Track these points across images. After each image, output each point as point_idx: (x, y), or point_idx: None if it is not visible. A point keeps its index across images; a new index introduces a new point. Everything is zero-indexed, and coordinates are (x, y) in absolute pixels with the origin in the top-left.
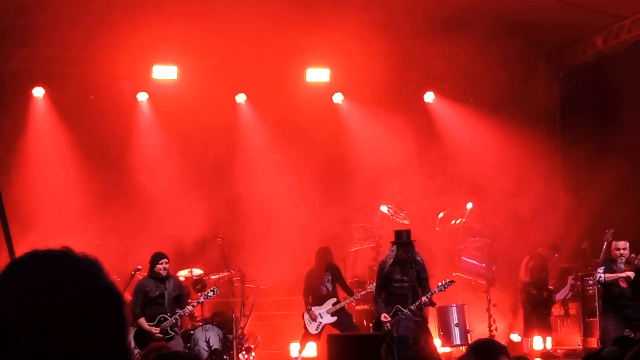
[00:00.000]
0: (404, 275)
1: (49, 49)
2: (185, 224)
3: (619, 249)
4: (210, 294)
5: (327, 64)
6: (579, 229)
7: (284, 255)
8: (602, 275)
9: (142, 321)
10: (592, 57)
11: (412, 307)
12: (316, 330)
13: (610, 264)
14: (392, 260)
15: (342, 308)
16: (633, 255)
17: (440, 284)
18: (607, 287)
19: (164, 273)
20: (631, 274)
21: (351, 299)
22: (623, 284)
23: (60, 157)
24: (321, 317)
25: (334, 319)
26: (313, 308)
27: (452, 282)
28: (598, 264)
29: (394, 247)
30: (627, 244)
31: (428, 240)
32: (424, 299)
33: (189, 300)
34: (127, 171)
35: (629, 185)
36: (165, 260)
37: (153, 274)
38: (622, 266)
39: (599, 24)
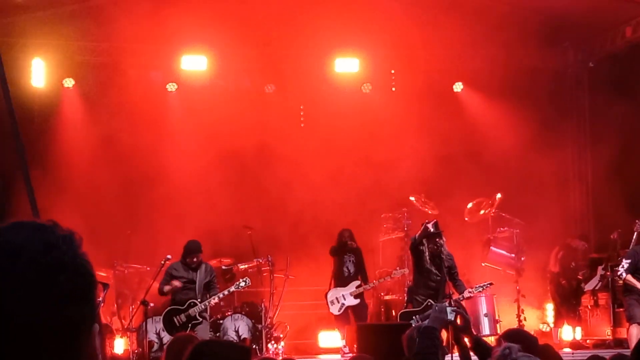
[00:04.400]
0: (437, 269)
1: (79, 40)
2: (215, 214)
3: None
4: (242, 284)
5: (356, 54)
6: (609, 219)
7: (313, 245)
8: (625, 272)
9: (167, 287)
10: (622, 47)
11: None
12: (338, 311)
13: (638, 255)
14: (427, 253)
15: (362, 294)
16: None
17: (478, 285)
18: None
19: (194, 265)
20: None
21: (365, 286)
22: None
23: (90, 148)
24: (344, 299)
25: (357, 301)
26: (335, 289)
27: (490, 284)
28: (627, 254)
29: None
30: None
31: (457, 231)
32: (463, 295)
33: (218, 289)
34: (157, 161)
35: None
36: (198, 255)
37: (185, 262)
38: None
39: (629, 13)
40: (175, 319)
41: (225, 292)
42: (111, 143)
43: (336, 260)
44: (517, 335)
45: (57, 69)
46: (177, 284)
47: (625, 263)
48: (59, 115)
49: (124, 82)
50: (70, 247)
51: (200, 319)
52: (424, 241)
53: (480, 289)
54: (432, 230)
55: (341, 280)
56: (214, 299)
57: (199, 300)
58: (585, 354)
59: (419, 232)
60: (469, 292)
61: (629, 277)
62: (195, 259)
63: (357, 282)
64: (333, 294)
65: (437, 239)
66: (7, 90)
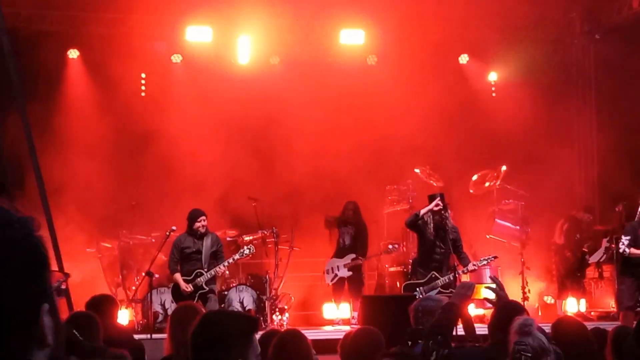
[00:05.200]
0: (441, 242)
1: (83, 10)
2: (220, 185)
3: None
4: (247, 252)
5: (361, 25)
6: (614, 191)
7: (319, 217)
8: (627, 249)
9: (177, 276)
10: (628, 18)
11: (450, 277)
12: (331, 281)
13: (637, 230)
14: (432, 225)
15: (359, 268)
16: None
17: (483, 258)
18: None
19: (202, 230)
20: None
21: (359, 260)
22: None
23: (94, 119)
24: (337, 270)
25: (349, 274)
26: (333, 259)
27: (495, 257)
28: (625, 229)
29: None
30: None
31: (462, 203)
32: (467, 268)
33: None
34: (161, 133)
35: None
36: (204, 217)
37: (191, 231)
38: None
39: None
40: (183, 291)
41: (230, 261)
42: (116, 114)
43: (337, 232)
44: (512, 308)
45: (62, 39)
46: (186, 287)
47: (625, 240)
48: (63, 86)
49: (129, 53)
50: (24, 227)
51: (207, 288)
52: (430, 213)
53: (485, 262)
54: (436, 208)
55: (338, 251)
56: (220, 267)
57: (205, 269)
58: (590, 326)
59: (425, 209)
60: (474, 265)
61: (633, 250)
62: (200, 223)
63: (353, 255)
64: (329, 264)
65: (443, 212)
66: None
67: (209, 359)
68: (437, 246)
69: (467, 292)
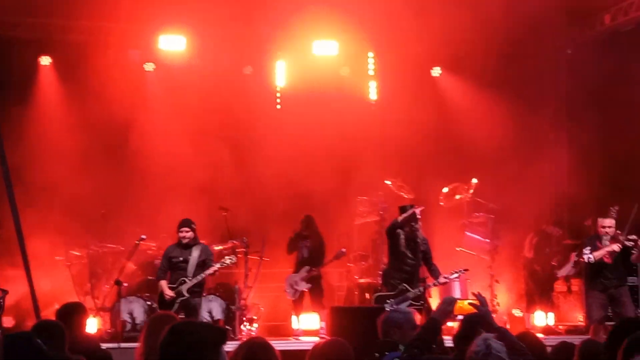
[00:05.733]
0: (412, 253)
1: (57, 17)
2: (190, 194)
3: (604, 227)
4: (228, 261)
5: (335, 36)
6: (583, 206)
7: (289, 227)
8: (591, 255)
9: (162, 283)
10: (600, 34)
11: (420, 290)
12: (294, 296)
13: (595, 241)
14: (403, 237)
15: (317, 279)
16: (618, 232)
17: (454, 271)
18: (593, 263)
19: (185, 240)
20: (616, 246)
21: (314, 270)
22: (607, 260)
23: (66, 126)
24: (297, 284)
25: (308, 286)
26: (291, 275)
27: (466, 270)
28: (585, 242)
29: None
30: (613, 222)
31: (432, 215)
32: (438, 281)
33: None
34: (133, 141)
35: (634, 163)
36: (186, 228)
37: (179, 241)
38: (607, 243)
39: (607, 0)
40: (165, 296)
41: (210, 271)
42: (88, 122)
43: (291, 244)
44: (477, 319)
45: (34, 46)
46: (169, 293)
47: (587, 250)
48: (35, 93)
49: (102, 61)
50: None
51: (188, 296)
52: (402, 225)
53: (456, 275)
54: (419, 216)
55: (296, 265)
56: (200, 276)
57: (189, 278)
58: (557, 340)
59: (403, 215)
60: (444, 277)
61: (596, 253)
62: (182, 234)
63: (307, 267)
64: (288, 279)
65: (413, 223)
66: None
67: None
68: (408, 257)
69: (448, 307)
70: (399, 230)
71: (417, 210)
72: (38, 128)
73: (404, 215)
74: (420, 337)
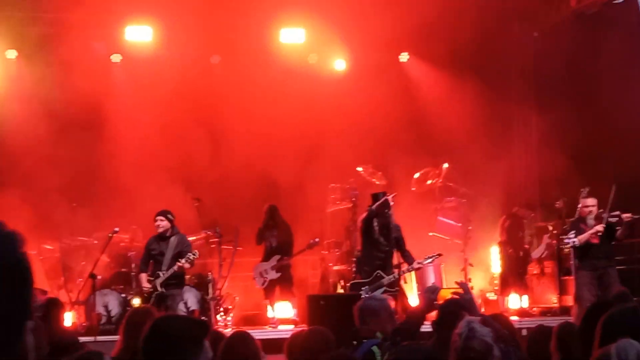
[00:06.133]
0: (385, 240)
1: (22, 10)
2: (162, 186)
3: (587, 206)
4: (192, 257)
5: (302, 24)
6: (554, 188)
7: (262, 216)
8: (575, 239)
9: (141, 276)
10: (566, 17)
11: (395, 276)
12: (262, 285)
13: (579, 224)
14: (376, 224)
15: (286, 267)
16: (601, 210)
17: (428, 257)
18: (581, 244)
19: (159, 230)
20: (600, 227)
21: (285, 260)
22: (594, 240)
23: (34, 121)
24: (266, 273)
25: (278, 275)
26: (260, 264)
27: (439, 255)
28: (570, 225)
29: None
30: (596, 201)
31: (404, 201)
32: (412, 266)
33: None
34: (102, 134)
35: (603, 144)
36: (160, 217)
37: (157, 233)
38: (592, 222)
39: None
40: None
41: (175, 268)
42: (55, 116)
43: (258, 234)
44: (456, 304)
45: None
46: (145, 286)
47: (571, 234)
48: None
49: (67, 53)
50: (9, 244)
51: (161, 290)
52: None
53: (430, 260)
54: (392, 203)
55: (265, 255)
56: (172, 269)
57: (163, 272)
58: (532, 322)
59: (377, 203)
60: (418, 263)
61: (581, 236)
62: (157, 223)
63: (278, 256)
64: (256, 268)
65: (386, 210)
66: None
67: None
68: (381, 244)
69: (431, 295)
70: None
71: (390, 197)
72: (3, 122)
73: (378, 202)
74: (404, 326)
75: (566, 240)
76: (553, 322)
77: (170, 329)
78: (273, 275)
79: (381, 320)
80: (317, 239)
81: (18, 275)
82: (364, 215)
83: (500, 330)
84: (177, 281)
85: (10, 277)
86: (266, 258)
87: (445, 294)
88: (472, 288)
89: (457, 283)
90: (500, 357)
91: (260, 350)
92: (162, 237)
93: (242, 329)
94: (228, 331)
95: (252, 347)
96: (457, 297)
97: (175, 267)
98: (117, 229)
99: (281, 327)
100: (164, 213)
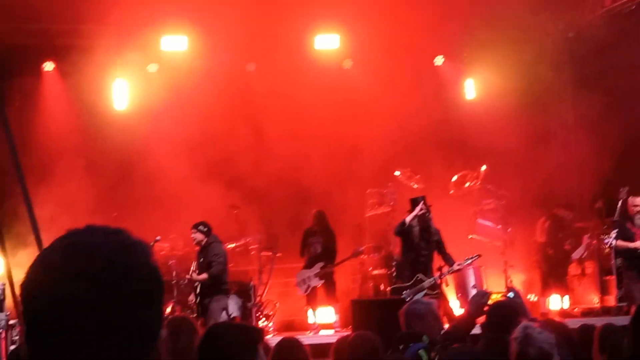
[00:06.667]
0: (425, 244)
1: (58, 22)
2: (200, 195)
3: (636, 205)
4: (152, 243)
5: (336, 29)
6: (594, 188)
7: (301, 223)
8: (614, 240)
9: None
10: (601, 17)
11: (436, 278)
12: (305, 292)
13: (625, 224)
14: (417, 228)
15: (330, 274)
16: None
17: (467, 258)
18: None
19: (194, 242)
20: None
21: (329, 267)
22: None
23: (71, 132)
24: (309, 280)
25: (321, 282)
26: (303, 270)
27: (479, 256)
28: (614, 224)
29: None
30: None
31: (443, 204)
32: (452, 268)
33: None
34: (141, 144)
35: None
36: (192, 230)
37: None
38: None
39: None
40: None
41: (187, 278)
42: (94, 126)
43: (305, 239)
44: (505, 308)
45: (37, 52)
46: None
47: (613, 233)
48: (39, 100)
49: (105, 64)
50: (144, 251)
51: (194, 300)
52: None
53: (469, 261)
54: (423, 211)
55: (309, 262)
56: (197, 278)
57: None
58: (574, 323)
59: (411, 215)
60: (458, 264)
61: (620, 242)
62: (192, 236)
63: (322, 264)
64: (299, 275)
65: (426, 214)
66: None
67: None
68: (422, 248)
69: (481, 299)
70: (413, 223)
71: (421, 205)
72: (44, 135)
73: (412, 214)
74: (455, 330)
75: (606, 240)
76: (595, 322)
77: (226, 335)
78: (316, 282)
79: (427, 324)
80: (362, 248)
81: (155, 282)
82: (398, 224)
83: (559, 336)
84: (210, 290)
85: (149, 283)
86: (309, 265)
87: (496, 298)
88: (520, 292)
89: (508, 288)
90: None
91: (309, 356)
92: (202, 248)
93: (291, 335)
94: (269, 337)
95: (301, 352)
96: (505, 300)
97: (186, 279)
98: (158, 238)
99: (322, 332)
100: (195, 226)
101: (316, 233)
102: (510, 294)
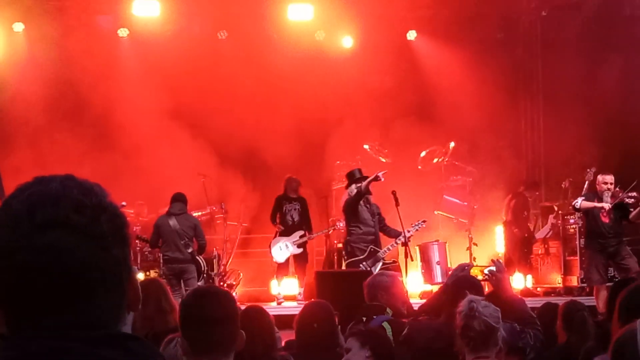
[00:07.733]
0: (372, 216)
1: None
2: (169, 162)
3: (606, 183)
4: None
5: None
6: (561, 168)
7: (268, 193)
8: (579, 201)
9: None
10: None
11: (388, 248)
12: (283, 260)
13: (593, 198)
14: (363, 203)
15: (305, 244)
16: (618, 189)
17: (414, 224)
18: (589, 222)
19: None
20: (607, 205)
21: (309, 236)
22: (605, 219)
23: (40, 95)
24: (287, 248)
25: (300, 250)
26: (279, 238)
27: (424, 221)
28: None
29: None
30: (613, 178)
31: (410, 179)
32: (399, 240)
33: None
34: (109, 109)
35: (610, 124)
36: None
37: None
38: (609, 200)
39: None
40: None
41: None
42: (60, 89)
43: (278, 206)
44: (465, 282)
45: (6, 12)
46: None
47: (580, 197)
48: (7, 61)
49: (74, 27)
50: (102, 192)
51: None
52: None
53: (417, 228)
54: (382, 180)
55: (285, 229)
56: None
57: None
58: (536, 302)
59: (368, 180)
60: (408, 231)
61: (584, 202)
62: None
63: (301, 232)
64: (277, 242)
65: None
66: None
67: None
68: (371, 220)
69: (460, 273)
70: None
71: (381, 174)
72: (11, 97)
73: (367, 181)
74: (428, 304)
75: (573, 202)
76: (558, 301)
77: (198, 306)
78: (295, 250)
79: (392, 296)
80: (340, 224)
81: (121, 219)
82: (351, 197)
83: (526, 313)
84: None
85: (116, 220)
86: (287, 232)
87: (476, 272)
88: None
89: (492, 261)
90: (505, 338)
91: (274, 326)
92: None
93: (259, 304)
94: None
95: (267, 321)
96: (467, 274)
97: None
98: (124, 203)
99: (285, 304)
100: (177, 196)
101: (292, 200)
102: (492, 268)
